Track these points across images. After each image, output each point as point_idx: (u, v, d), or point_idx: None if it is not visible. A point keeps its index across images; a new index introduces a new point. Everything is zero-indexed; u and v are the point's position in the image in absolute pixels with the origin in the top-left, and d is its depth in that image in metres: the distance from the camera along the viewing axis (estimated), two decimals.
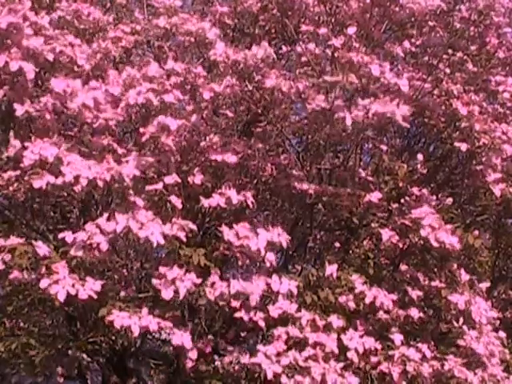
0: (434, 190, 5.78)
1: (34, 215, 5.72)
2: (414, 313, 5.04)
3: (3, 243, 4.48)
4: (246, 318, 4.74)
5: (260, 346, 4.69)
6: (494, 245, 6.70)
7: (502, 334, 5.23)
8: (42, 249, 4.45)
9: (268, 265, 4.74)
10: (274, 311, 4.71)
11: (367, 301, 4.91)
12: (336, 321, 4.82)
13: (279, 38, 6.25)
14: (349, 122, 4.95)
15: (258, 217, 6.03)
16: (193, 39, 5.53)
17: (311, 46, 5.17)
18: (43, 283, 4.35)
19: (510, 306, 6.82)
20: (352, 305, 4.91)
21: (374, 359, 4.79)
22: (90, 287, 4.41)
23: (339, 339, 4.74)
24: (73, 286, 4.37)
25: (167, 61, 5.40)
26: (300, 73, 5.39)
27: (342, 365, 4.63)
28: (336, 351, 4.66)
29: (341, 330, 4.80)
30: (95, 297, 4.42)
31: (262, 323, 4.73)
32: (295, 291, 4.77)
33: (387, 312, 5.03)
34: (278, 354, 4.61)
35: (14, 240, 4.51)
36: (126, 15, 6.81)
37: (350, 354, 4.71)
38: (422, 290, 5.26)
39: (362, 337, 4.80)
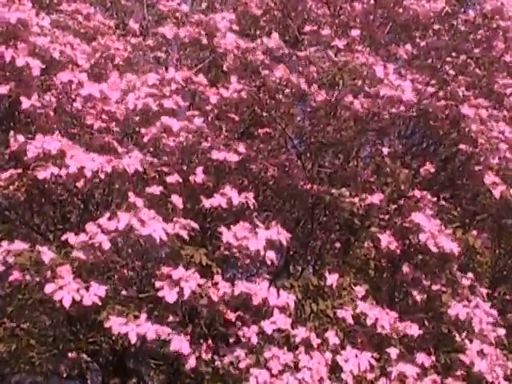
0: (435, 191, 5.77)
1: (34, 215, 5.71)
2: (414, 330, 4.89)
3: (8, 247, 4.45)
4: (240, 334, 4.69)
5: (254, 370, 4.56)
6: (495, 245, 6.69)
7: (502, 331, 5.20)
8: (47, 255, 4.39)
9: (269, 263, 4.72)
10: (268, 327, 4.59)
11: (368, 322, 4.78)
12: (332, 338, 4.69)
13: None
14: (358, 106, 4.94)
15: (258, 217, 6.02)
16: (203, 31, 5.50)
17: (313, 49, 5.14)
18: (48, 289, 4.31)
19: (511, 306, 6.79)
20: (351, 320, 4.78)
21: (370, 376, 4.69)
22: (95, 292, 4.37)
23: (334, 359, 4.64)
24: (77, 291, 4.33)
25: (169, 64, 5.40)
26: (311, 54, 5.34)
27: None
28: (326, 378, 4.54)
29: (337, 348, 4.69)
30: (100, 303, 4.38)
31: (254, 340, 4.64)
32: (292, 305, 4.68)
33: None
34: (273, 376, 4.52)
35: (19, 245, 4.46)
36: (127, 15, 6.81)
37: (345, 376, 4.60)
38: (424, 292, 5.24)
39: (356, 356, 4.66)
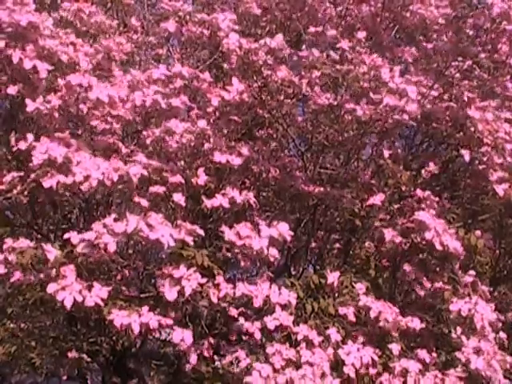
0: (437, 191, 5.77)
1: (35, 216, 5.70)
2: (416, 324, 4.89)
3: (12, 244, 4.43)
4: (243, 329, 4.72)
5: (256, 364, 4.58)
6: (496, 245, 6.69)
7: (503, 334, 5.22)
8: (52, 253, 4.40)
9: (272, 260, 4.72)
10: (271, 323, 4.63)
11: (372, 315, 4.79)
12: (334, 334, 4.73)
13: None
14: (360, 112, 4.96)
15: (260, 217, 6.02)
16: (206, 30, 5.50)
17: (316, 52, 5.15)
18: (51, 288, 4.30)
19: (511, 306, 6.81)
20: (352, 318, 4.82)
21: (372, 371, 4.69)
22: (97, 293, 4.36)
23: (336, 353, 4.66)
24: (80, 292, 4.32)
25: (170, 62, 5.39)
26: (313, 60, 5.35)
27: (338, 381, 4.57)
28: (329, 372, 4.56)
29: (339, 342, 4.72)
30: (102, 304, 4.38)
31: (258, 335, 4.68)
32: (294, 303, 4.70)
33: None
34: (275, 371, 4.54)
35: (23, 242, 4.45)
36: (127, 14, 6.80)
37: (347, 369, 4.60)
38: (425, 290, 5.26)
39: (359, 350, 4.69)
